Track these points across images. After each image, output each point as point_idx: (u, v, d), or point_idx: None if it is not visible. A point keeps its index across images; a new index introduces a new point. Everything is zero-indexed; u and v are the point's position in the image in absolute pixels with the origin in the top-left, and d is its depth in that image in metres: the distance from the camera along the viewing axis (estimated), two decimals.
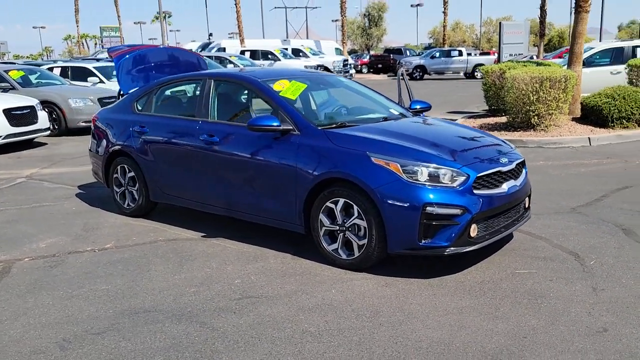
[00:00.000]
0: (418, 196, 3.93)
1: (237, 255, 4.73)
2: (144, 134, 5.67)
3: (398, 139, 4.35)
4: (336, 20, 71.94)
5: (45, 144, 11.65)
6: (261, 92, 4.98)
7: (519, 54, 40.71)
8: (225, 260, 4.63)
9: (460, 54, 33.84)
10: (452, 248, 3.98)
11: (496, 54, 39.85)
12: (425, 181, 3.98)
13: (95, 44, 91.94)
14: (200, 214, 5.69)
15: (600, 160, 8.27)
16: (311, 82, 5.36)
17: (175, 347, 3.24)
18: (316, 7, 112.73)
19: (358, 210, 4.16)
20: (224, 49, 30.24)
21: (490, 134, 5.22)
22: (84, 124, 12.65)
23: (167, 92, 5.98)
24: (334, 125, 4.66)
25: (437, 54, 34.23)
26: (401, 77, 6.22)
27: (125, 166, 5.94)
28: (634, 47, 13.60)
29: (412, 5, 62.69)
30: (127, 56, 6.33)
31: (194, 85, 5.69)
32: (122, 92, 6.52)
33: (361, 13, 69.79)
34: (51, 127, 11.94)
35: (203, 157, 5.13)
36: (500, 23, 42.68)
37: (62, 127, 12.61)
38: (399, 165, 4.02)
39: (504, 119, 11.46)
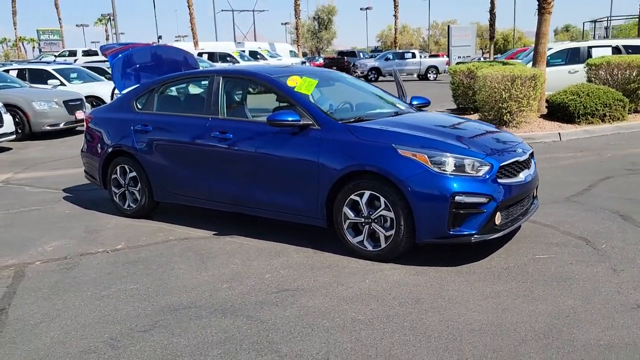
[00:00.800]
0: (447, 186, 4.05)
1: (257, 251, 4.73)
2: (147, 133, 5.57)
3: (419, 132, 4.46)
4: (286, 23, 72.26)
5: (11, 148, 11.19)
6: (276, 88, 4.99)
7: (467, 56, 41.93)
8: (247, 256, 4.61)
9: (414, 56, 34.55)
10: (478, 235, 4.12)
11: (446, 56, 40.92)
12: (452, 171, 4.10)
13: (33, 47, 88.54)
14: (202, 212, 5.67)
15: (574, 154, 8.67)
16: (319, 78, 5.40)
17: (230, 340, 3.22)
18: (263, 10, 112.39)
19: (385, 202, 4.24)
20: None
21: (499, 128, 5.41)
22: (49, 127, 12.26)
23: (171, 90, 5.89)
24: (353, 120, 4.72)
25: (391, 56, 34.77)
26: (397, 75, 6.34)
27: (126, 166, 5.82)
28: (589, 48, 14.29)
29: (361, 9, 63.51)
30: (120, 55, 6.20)
31: (200, 82, 5.64)
32: (117, 91, 6.38)
33: (310, 16, 70.27)
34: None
35: (215, 154, 5.09)
36: (448, 26, 43.98)
37: (25, 131, 12.12)
38: (426, 157, 4.13)
39: (475, 117, 11.80)
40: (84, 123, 6.43)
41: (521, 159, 4.50)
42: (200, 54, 26.79)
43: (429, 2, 52.70)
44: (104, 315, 3.60)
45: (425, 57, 37.11)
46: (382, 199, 4.26)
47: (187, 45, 35.46)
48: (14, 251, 4.94)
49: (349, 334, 3.26)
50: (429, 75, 33.43)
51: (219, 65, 24.86)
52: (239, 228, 5.32)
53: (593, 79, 12.39)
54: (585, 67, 12.64)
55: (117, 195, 5.96)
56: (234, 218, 5.57)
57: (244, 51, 29.52)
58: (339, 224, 4.50)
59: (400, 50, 38.93)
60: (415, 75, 33.93)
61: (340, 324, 3.39)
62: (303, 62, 31.04)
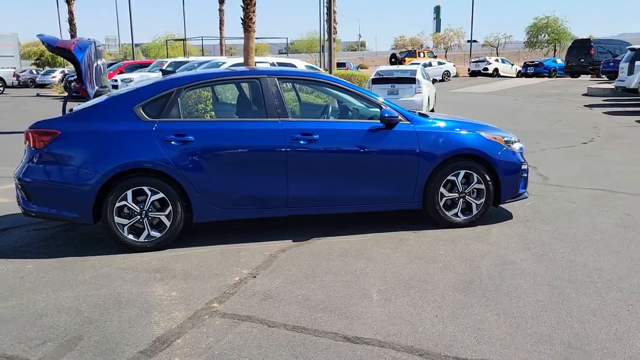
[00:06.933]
0: (518, 158, 5.53)
1: (375, 243, 4.94)
2: (187, 144, 4.74)
3: (473, 122, 5.70)
4: None
5: None
6: (355, 90, 5.23)
7: (13, 68, 39.08)
8: (377, 248, 4.81)
9: None
10: (526, 193, 5.74)
11: None
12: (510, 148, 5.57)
13: None
14: (217, 227, 5.43)
15: None
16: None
17: (552, 291, 3.94)
18: None
19: (477, 177, 5.34)
20: None
21: None
22: None
23: (205, 93, 5.00)
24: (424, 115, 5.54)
25: None
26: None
27: (145, 188, 4.71)
28: (256, 62, 16.63)
29: None
30: (85, 50, 4.78)
31: (244, 84, 5.10)
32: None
33: None
34: None
35: (300, 157, 4.93)
36: None
37: None
38: (502, 138, 5.47)
39: None
40: (31, 140, 4.62)
41: None
42: None
43: None
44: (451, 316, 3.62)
45: None
46: (474, 175, 5.33)
47: None
48: (152, 310, 3.64)
49: (578, 255, 4.46)
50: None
51: None
52: (290, 233, 5.24)
53: None
54: None
55: (125, 228, 4.72)
56: (265, 225, 5.39)
57: None
58: (437, 203, 5.29)
59: None
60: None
61: (565, 257, 4.52)
62: None
